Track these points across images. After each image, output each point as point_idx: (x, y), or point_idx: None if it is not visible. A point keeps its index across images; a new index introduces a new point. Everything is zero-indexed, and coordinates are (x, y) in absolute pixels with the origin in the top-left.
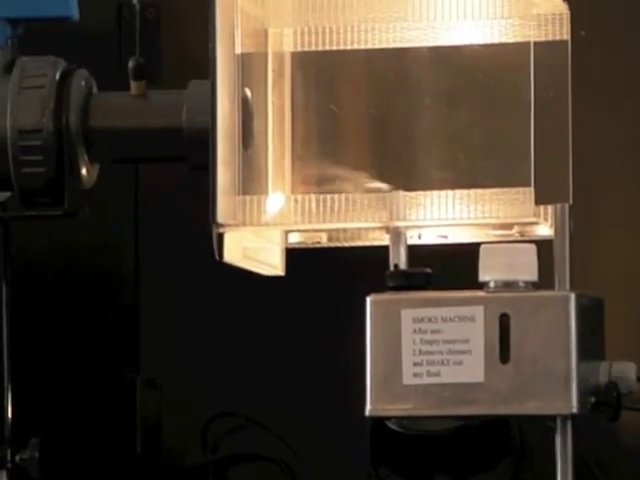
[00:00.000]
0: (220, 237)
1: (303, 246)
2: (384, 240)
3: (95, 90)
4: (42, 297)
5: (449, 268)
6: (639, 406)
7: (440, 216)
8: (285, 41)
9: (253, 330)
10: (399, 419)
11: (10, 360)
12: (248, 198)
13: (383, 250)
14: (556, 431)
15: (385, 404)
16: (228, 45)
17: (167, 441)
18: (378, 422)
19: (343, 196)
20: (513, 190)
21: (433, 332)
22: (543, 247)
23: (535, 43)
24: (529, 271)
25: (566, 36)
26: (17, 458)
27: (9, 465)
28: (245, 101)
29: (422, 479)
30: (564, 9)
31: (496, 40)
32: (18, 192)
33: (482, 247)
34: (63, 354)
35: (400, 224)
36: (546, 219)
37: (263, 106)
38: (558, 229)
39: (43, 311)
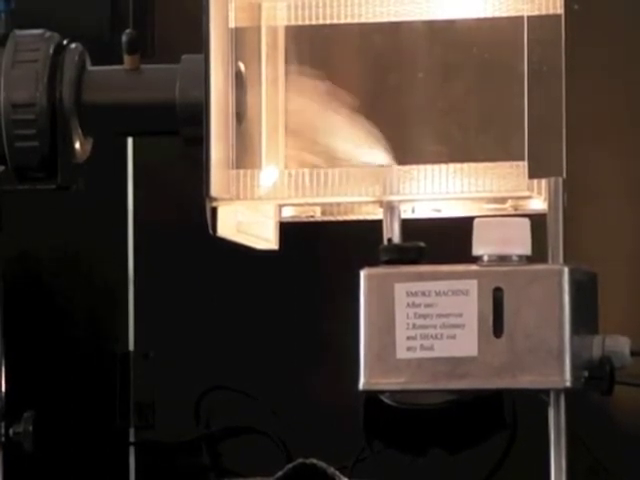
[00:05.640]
0: (214, 211)
1: (297, 220)
2: (378, 214)
3: (89, 64)
4: (33, 271)
5: (443, 242)
6: (632, 380)
7: (434, 190)
8: (279, 15)
9: (246, 303)
10: (392, 393)
11: (3, 334)
12: (242, 172)
13: (377, 224)
14: (549, 405)
15: (378, 378)
16: (222, 19)
17: (160, 415)
18: (371, 396)
19: (337, 170)
20: (507, 164)
21: (427, 306)
22: (536, 221)
23: (528, 17)
24: (523, 245)
25: (559, 10)
26: (11, 432)
27: (3, 439)
28: (239, 75)
29: (415, 453)
30: None
31: (490, 14)
32: (11, 166)
33: (476, 221)
34: (56, 327)
35: (394, 198)
36: (540, 193)
37: (257, 80)
38: (552, 203)
39: (35, 285)
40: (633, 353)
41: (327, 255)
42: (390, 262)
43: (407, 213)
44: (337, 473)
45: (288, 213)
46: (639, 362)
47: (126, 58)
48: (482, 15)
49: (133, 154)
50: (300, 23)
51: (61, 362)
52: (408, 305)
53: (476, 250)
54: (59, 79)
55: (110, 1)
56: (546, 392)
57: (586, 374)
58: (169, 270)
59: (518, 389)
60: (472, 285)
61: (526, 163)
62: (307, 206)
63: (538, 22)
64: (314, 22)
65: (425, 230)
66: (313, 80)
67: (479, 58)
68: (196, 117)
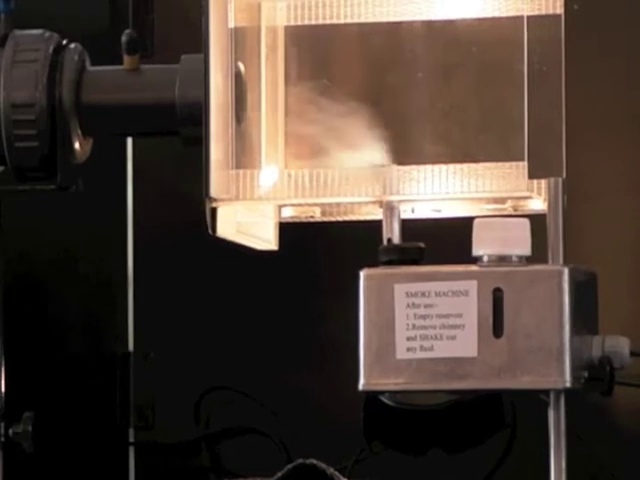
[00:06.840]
0: (213, 211)
1: (297, 220)
2: (378, 214)
3: (88, 64)
4: (33, 271)
5: (442, 242)
6: (632, 380)
7: (434, 190)
8: (278, 15)
9: (246, 304)
10: (392, 393)
11: (3, 334)
12: (241, 172)
13: (377, 224)
14: (549, 405)
15: (378, 379)
16: (221, 19)
17: (160, 415)
18: (371, 396)
19: (336, 170)
20: (507, 164)
21: (426, 307)
22: (537, 221)
23: (528, 17)
24: (522, 245)
25: (559, 10)
26: (10, 432)
27: (3, 439)
28: (238, 75)
29: (415, 453)
30: None
31: (489, 14)
32: (11, 166)
33: (476, 221)
34: (56, 328)
35: (393, 198)
36: (539, 193)
37: (256, 80)
38: (552, 203)
39: (35, 285)
40: (633, 353)
41: (327, 255)
42: (390, 262)
43: (407, 213)
44: (337, 474)
45: (288, 213)
46: (639, 362)
47: (126, 58)
48: (482, 15)
49: (133, 154)
50: (300, 23)
51: (61, 362)
52: (408, 306)
53: (476, 250)
54: (59, 79)
55: (110, 1)
56: (546, 392)
57: (586, 374)
58: (169, 270)
59: (518, 390)
60: (472, 286)
61: (526, 163)
62: (307, 206)
63: (538, 22)
64: (314, 22)
65: (425, 230)
66: (313, 80)
67: (479, 58)
68: (196, 117)
